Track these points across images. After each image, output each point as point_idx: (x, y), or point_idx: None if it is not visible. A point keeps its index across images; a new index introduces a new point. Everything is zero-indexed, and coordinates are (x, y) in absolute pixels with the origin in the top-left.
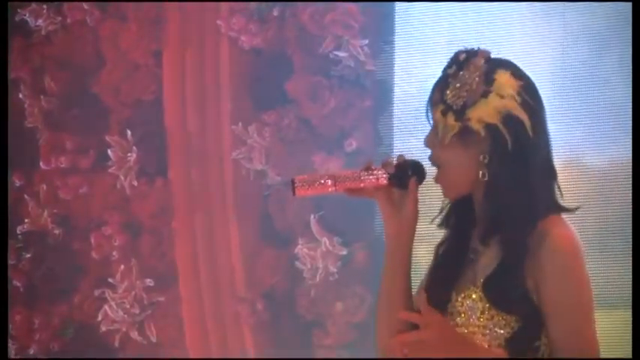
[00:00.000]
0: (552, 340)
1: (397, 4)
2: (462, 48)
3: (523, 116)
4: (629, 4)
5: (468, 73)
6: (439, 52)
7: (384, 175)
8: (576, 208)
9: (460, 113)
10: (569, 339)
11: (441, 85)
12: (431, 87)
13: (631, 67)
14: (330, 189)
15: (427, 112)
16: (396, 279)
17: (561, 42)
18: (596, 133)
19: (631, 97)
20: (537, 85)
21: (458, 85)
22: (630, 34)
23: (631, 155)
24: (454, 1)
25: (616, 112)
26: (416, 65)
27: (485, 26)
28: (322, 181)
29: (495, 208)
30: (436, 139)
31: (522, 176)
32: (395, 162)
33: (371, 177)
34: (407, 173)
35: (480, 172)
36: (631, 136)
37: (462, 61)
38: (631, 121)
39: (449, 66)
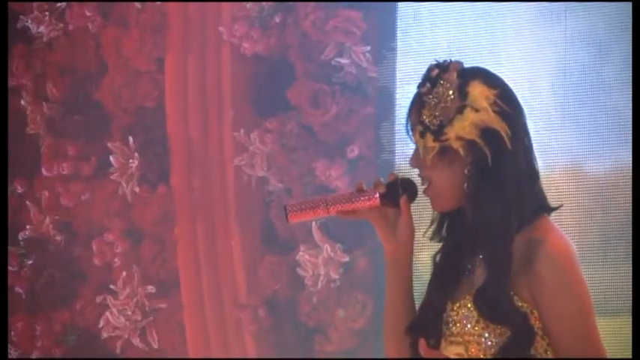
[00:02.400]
0: (558, 347)
1: (399, 10)
2: (433, 62)
3: (501, 126)
4: (629, 6)
5: (442, 89)
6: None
7: (376, 196)
8: (560, 206)
9: (438, 133)
10: (575, 343)
11: (417, 104)
12: (407, 106)
13: (631, 73)
14: (323, 213)
15: (407, 131)
16: (397, 294)
17: (561, 47)
18: (596, 139)
19: (631, 103)
20: (537, 88)
21: (433, 103)
22: (630, 39)
23: (631, 161)
24: (456, 1)
25: (616, 118)
26: (418, 72)
27: (486, 32)
28: (315, 206)
29: (477, 220)
30: (420, 158)
31: (503, 187)
32: (386, 181)
33: (363, 198)
34: (398, 192)
35: (465, 185)
36: (631, 142)
37: (434, 77)
38: (631, 127)
39: (422, 84)
